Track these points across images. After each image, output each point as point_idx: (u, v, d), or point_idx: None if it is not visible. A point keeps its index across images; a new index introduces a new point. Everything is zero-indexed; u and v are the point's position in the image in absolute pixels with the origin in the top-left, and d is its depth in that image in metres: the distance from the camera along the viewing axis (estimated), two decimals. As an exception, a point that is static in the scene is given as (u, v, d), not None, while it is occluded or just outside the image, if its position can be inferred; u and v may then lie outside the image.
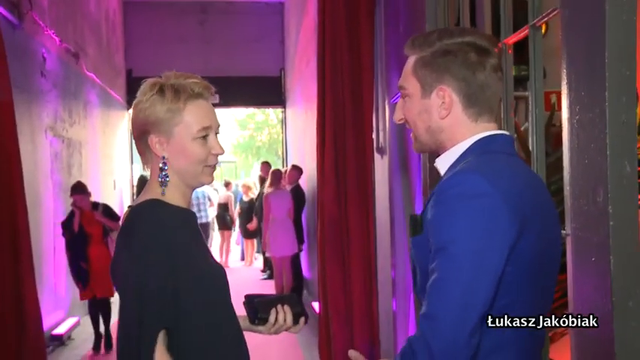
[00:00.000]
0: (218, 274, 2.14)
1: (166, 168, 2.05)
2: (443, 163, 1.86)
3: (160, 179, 2.06)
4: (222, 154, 2.12)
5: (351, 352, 1.98)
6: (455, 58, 1.77)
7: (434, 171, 3.96)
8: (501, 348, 1.69)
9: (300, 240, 10.35)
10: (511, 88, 2.94)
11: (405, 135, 5.16)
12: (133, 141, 2.17)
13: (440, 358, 1.56)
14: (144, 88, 2.08)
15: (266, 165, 13.08)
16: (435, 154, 1.90)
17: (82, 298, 7.91)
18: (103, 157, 11.41)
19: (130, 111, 8.29)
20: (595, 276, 2.04)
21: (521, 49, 3.10)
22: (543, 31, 4.40)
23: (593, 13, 2.03)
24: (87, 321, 8.35)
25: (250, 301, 2.19)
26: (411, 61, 1.86)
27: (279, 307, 2.17)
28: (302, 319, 2.20)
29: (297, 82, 12.56)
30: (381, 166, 5.60)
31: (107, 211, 8.03)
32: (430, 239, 1.69)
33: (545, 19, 2.53)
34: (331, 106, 5.46)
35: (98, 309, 7.88)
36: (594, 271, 2.04)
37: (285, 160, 15.00)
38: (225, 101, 13.89)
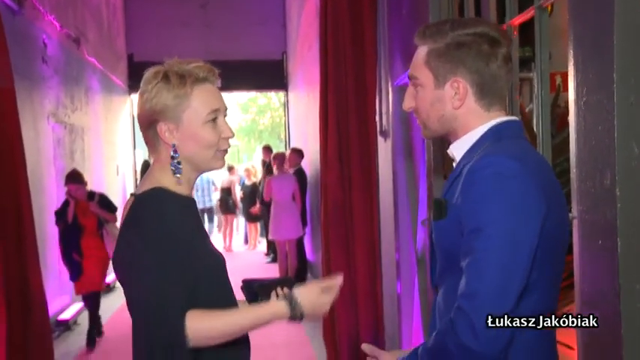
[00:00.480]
0: (218, 262, 2.15)
1: (177, 156, 2.03)
2: (458, 150, 1.90)
3: (172, 167, 2.04)
4: (232, 137, 2.11)
5: (365, 346, 2.05)
6: (469, 50, 1.81)
7: (438, 154, 3.97)
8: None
9: (303, 223, 10.36)
10: (516, 70, 2.92)
11: (408, 118, 5.14)
12: (139, 130, 2.14)
13: (483, 332, 1.60)
14: (147, 77, 2.05)
15: (267, 149, 13.07)
16: (444, 139, 1.95)
17: (77, 292, 7.73)
18: (106, 143, 11.41)
19: (133, 96, 8.36)
20: (602, 258, 2.04)
21: (525, 30, 3.08)
22: (550, 11, 4.38)
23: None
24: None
25: (249, 285, 2.20)
26: (423, 51, 1.88)
27: (278, 289, 2.18)
28: None
29: (300, 66, 12.52)
30: (384, 150, 5.58)
31: (104, 201, 7.68)
32: (462, 221, 1.73)
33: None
34: (334, 89, 5.44)
35: (93, 302, 7.71)
36: (601, 253, 2.04)
37: (287, 144, 14.98)
38: (227, 85, 13.62)
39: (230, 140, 2.12)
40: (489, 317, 1.60)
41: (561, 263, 1.85)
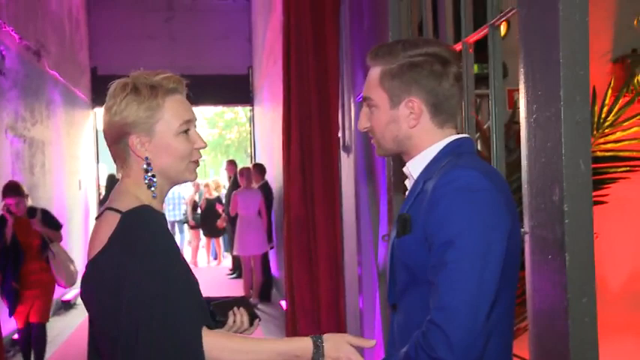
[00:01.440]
0: (196, 281, 2.09)
1: (151, 169, 1.99)
2: (415, 167, 1.93)
3: (146, 181, 1.99)
4: (204, 147, 2.08)
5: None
6: (422, 70, 1.84)
7: (398, 170, 4.00)
8: (497, 326, 1.76)
9: (269, 239, 10.35)
10: (472, 87, 2.97)
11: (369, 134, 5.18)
12: (106, 144, 2.07)
13: (459, 346, 1.59)
14: (115, 90, 2.00)
15: (231, 163, 13.05)
16: (398, 157, 1.97)
17: (19, 326, 6.62)
18: (68, 157, 11.30)
19: (96, 109, 8.31)
20: (552, 273, 2.08)
21: (484, 47, 3.13)
22: (505, 29, 4.45)
23: (547, 12, 2.07)
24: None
25: (208, 304, 2.15)
26: (376, 72, 1.91)
27: (235, 309, 2.15)
28: (256, 321, 2.19)
29: (265, 81, 12.53)
30: (347, 165, 5.62)
31: (46, 217, 6.60)
32: (430, 235, 1.73)
33: (504, 18, 2.56)
34: (297, 104, 5.48)
35: (31, 338, 6.63)
36: (551, 268, 2.08)
37: (253, 158, 14.99)
38: (194, 99, 13.73)
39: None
40: (464, 330, 1.60)
41: (517, 277, 1.87)
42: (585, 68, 2.02)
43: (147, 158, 1.98)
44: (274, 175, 10.44)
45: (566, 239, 1.99)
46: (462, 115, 2.96)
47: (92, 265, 1.96)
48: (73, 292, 9.77)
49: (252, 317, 2.19)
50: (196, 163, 2.08)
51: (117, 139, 2.01)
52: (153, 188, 2.00)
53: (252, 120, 15.58)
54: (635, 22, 4.38)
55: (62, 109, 11.01)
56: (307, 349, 1.94)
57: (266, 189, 10.48)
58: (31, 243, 6.40)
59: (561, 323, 2.00)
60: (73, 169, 11.81)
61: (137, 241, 1.91)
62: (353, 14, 5.32)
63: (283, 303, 8.25)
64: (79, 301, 8.36)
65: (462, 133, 1.97)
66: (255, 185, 10.39)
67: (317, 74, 5.38)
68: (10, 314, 6.41)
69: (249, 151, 16.80)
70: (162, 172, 2.02)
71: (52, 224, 6.61)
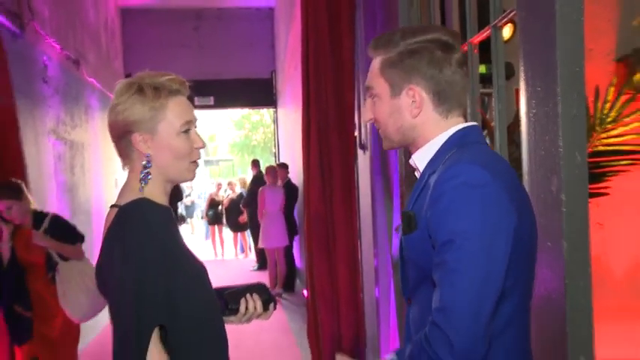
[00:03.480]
0: (202, 271, 2.07)
1: (149, 166, 1.99)
2: (420, 160, 1.81)
3: (141, 175, 1.99)
4: (203, 147, 2.06)
5: (339, 357, 1.99)
6: (421, 56, 1.72)
7: (409, 164, 4.01)
8: (509, 326, 1.65)
9: (292, 232, 10.38)
10: (477, 85, 2.96)
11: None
12: (111, 140, 2.09)
13: (460, 348, 1.50)
14: (120, 89, 2.01)
15: (255, 162, 13.11)
16: (405, 149, 1.85)
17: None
18: (105, 158, 11.39)
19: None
20: (550, 259, 2.07)
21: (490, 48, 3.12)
22: (512, 30, 4.43)
23: (545, 13, 2.06)
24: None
25: (219, 293, 2.13)
26: (377, 62, 1.80)
27: (247, 296, 2.13)
28: (271, 306, 2.16)
29: (287, 84, 12.55)
30: (363, 162, 5.63)
31: (57, 227, 4.72)
32: (432, 233, 1.62)
33: (505, 19, 2.55)
34: (315, 106, 5.48)
35: None
36: (550, 254, 2.08)
37: (277, 158, 15.02)
38: (220, 103, 14.00)
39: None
40: (465, 332, 1.50)
41: (532, 269, 1.74)
42: (581, 66, 2.01)
43: (148, 155, 1.99)
44: (297, 173, 10.45)
45: (563, 227, 1.98)
46: (468, 112, 2.95)
47: (98, 258, 1.98)
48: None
49: (268, 302, 2.16)
50: (195, 163, 2.07)
51: (120, 135, 2.02)
52: (143, 183, 1.99)
53: (275, 121, 15.63)
54: (637, 21, 4.34)
55: (99, 114, 11.09)
56: None
57: (289, 186, 10.51)
58: (33, 260, 4.62)
59: (559, 305, 2.00)
60: (109, 169, 11.89)
61: (123, 235, 1.90)
62: (367, 20, 5.32)
63: (305, 292, 8.28)
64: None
65: (469, 122, 1.83)
66: (279, 183, 10.43)
67: (334, 77, 5.39)
68: (19, 341, 4.74)
69: (273, 150, 16.83)
70: (163, 170, 2.01)
71: (66, 236, 4.71)
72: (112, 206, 2.03)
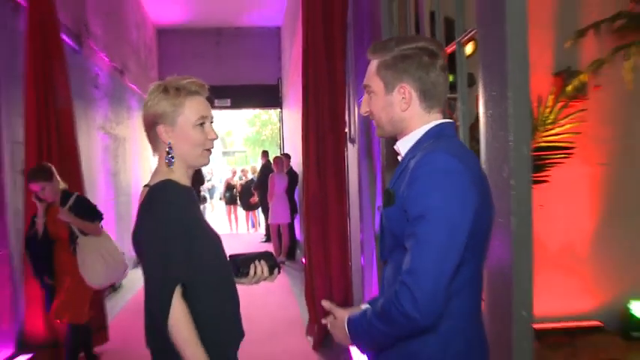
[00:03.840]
0: (217, 241, 2.09)
1: (172, 151, 2.00)
2: (404, 145, 1.80)
3: (166, 160, 2.01)
4: (216, 138, 2.06)
5: (325, 302, 1.97)
6: (412, 61, 1.72)
7: (389, 155, 4.00)
8: (467, 286, 1.65)
9: (294, 211, 10.38)
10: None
11: (369, 128, 5.17)
12: (144, 131, 2.10)
13: (423, 304, 1.50)
14: (151, 89, 2.04)
15: (264, 153, 13.08)
16: (394, 138, 1.84)
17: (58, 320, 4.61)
18: (142, 149, 11.39)
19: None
20: (501, 233, 2.07)
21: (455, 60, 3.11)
22: (474, 48, 4.43)
23: (499, 34, 2.05)
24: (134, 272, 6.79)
25: (234, 259, 2.13)
26: (374, 64, 1.80)
27: (256, 262, 2.13)
28: (276, 270, 2.16)
29: (291, 89, 12.52)
30: (352, 153, 5.62)
31: (79, 205, 4.49)
32: (407, 209, 1.61)
33: (467, 36, 2.54)
34: (314, 108, 5.46)
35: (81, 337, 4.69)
36: (501, 229, 2.07)
37: (282, 149, 15.04)
38: (235, 104, 14.00)
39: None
40: (428, 291, 1.50)
41: (486, 248, 1.74)
42: (526, 76, 2.00)
43: (169, 143, 2.00)
44: (297, 162, 10.43)
45: (512, 207, 1.98)
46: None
47: (134, 228, 1.99)
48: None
49: (273, 267, 2.15)
50: (209, 151, 2.07)
51: (150, 126, 2.03)
52: (171, 166, 2.00)
53: (281, 119, 15.63)
54: (568, 44, 4.38)
55: (137, 113, 11.06)
56: None
57: (291, 173, 10.51)
58: (60, 234, 4.50)
59: (507, 271, 2.00)
60: (145, 159, 11.89)
61: (152, 207, 1.93)
62: (356, 36, 5.30)
63: (304, 260, 8.29)
64: (124, 282, 7.98)
65: (446, 118, 1.82)
66: (284, 170, 10.42)
67: (328, 83, 5.37)
68: (47, 309, 4.68)
69: (279, 143, 16.82)
70: (182, 156, 2.02)
71: (86, 214, 4.50)
72: (145, 186, 2.04)
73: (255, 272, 2.13)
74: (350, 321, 1.77)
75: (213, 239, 2.07)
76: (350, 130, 5.64)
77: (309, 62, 5.52)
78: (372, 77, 1.80)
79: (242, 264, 2.11)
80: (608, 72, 4.72)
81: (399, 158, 1.83)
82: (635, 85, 4.90)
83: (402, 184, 1.67)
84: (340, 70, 5.33)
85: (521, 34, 1.98)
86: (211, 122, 2.07)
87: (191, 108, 2.00)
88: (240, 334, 2.10)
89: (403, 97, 1.75)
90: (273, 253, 8.94)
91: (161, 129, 2.00)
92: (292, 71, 12.02)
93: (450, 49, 2.76)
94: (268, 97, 14.42)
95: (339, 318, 1.84)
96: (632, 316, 5.37)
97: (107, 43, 8.75)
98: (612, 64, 4.59)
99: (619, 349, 5.18)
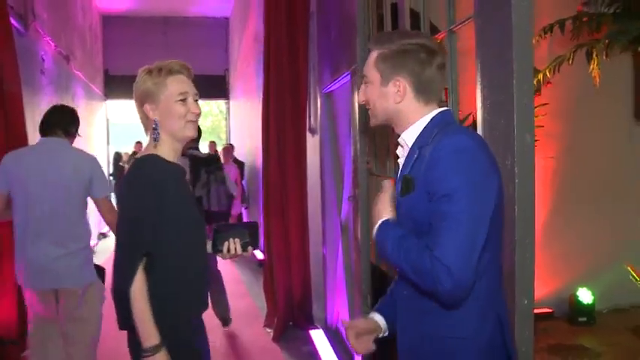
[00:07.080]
0: (197, 219, 2.17)
1: (158, 128, 2.09)
2: (409, 137, 1.77)
3: (153, 136, 2.10)
4: (198, 112, 2.12)
5: (344, 322, 1.96)
6: (410, 56, 1.72)
7: (363, 143, 3.93)
8: (488, 270, 1.65)
9: (243, 200, 10.26)
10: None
11: (335, 118, 5.12)
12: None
13: (458, 274, 1.48)
14: (139, 72, 2.13)
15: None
16: (387, 126, 1.85)
17: None
18: (86, 139, 11.01)
19: (107, 102, 8.01)
20: (507, 220, 2.05)
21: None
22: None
23: (502, 21, 2.02)
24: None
25: (214, 234, 2.23)
26: (374, 54, 1.79)
27: (231, 240, 2.21)
28: (249, 248, 2.24)
29: (239, 80, 12.37)
30: (312, 143, 5.55)
31: None
32: (431, 191, 1.60)
33: (460, 25, 2.50)
34: (274, 97, 5.37)
35: None
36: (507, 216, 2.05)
37: (228, 141, 14.88)
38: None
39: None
40: (461, 264, 1.49)
41: (502, 229, 1.74)
42: (531, 64, 1.98)
43: (155, 120, 2.08)
44: (246, 152, 10.32)
45: (516, 194, 1.96)
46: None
47: (117, 198, 2.06)
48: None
49: (247, 245, 2.24)
50: (192, 122, 2.12)
51: (139, 105, 2.12)
52: (156, 142, 2.09)
53: (228, 111, 15.41)
54: (535, 40, 4.42)
55: (83, 101, 10.68)
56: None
57: (239, 163, 10.39)
58: None
59: (510, 258, 1.98)
60: (89, 149, 11.49)
61: (131, 178, 2.03)
62: (320, 28, 5.23)
63: (256, 252, 8.19)
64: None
65: (444, 107, 1.81)
66: (230, 160, 10.28)
67: (290, 74, 5.29)
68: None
69: (221, 136, 16.59)
70: (167, 130, 2.09)
71: None
72: (134, 158, 2.13)
73: (228, 250, 2.22)
74: (386, 226, 1.74)
75: (192, 219, 2.13)
76: (310, 121, 5.57)
77: (270, 49, 5.42)
78: (370, 68, 1.80)
79: (218, 241, 2.22)
80: (564, 70, 4.83)
81: (400, 151, 1.82)
82: (583, 85, 5.06)
83: (419, 171, 1.66)
84: (302, 59, 5.25)
85: (526, 20, 1.95)
86: (195, 100, 2.14)
87: (173, 85, 2.08)
88: (202, 303, 2.20)
89: (398, 91, 1.75)
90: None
91: (147, 107, 2.09)
92: (241, 62, 11.84)
93: (439, 37, 2.71)
94: (215, 88, 14.24)
95: (386, 192, 1.82)
96: (579, 302, 5.54)
97: (53, 28, 8.37)
98: (565, 62, 4.70)
99: (567, 333, 5.35)
